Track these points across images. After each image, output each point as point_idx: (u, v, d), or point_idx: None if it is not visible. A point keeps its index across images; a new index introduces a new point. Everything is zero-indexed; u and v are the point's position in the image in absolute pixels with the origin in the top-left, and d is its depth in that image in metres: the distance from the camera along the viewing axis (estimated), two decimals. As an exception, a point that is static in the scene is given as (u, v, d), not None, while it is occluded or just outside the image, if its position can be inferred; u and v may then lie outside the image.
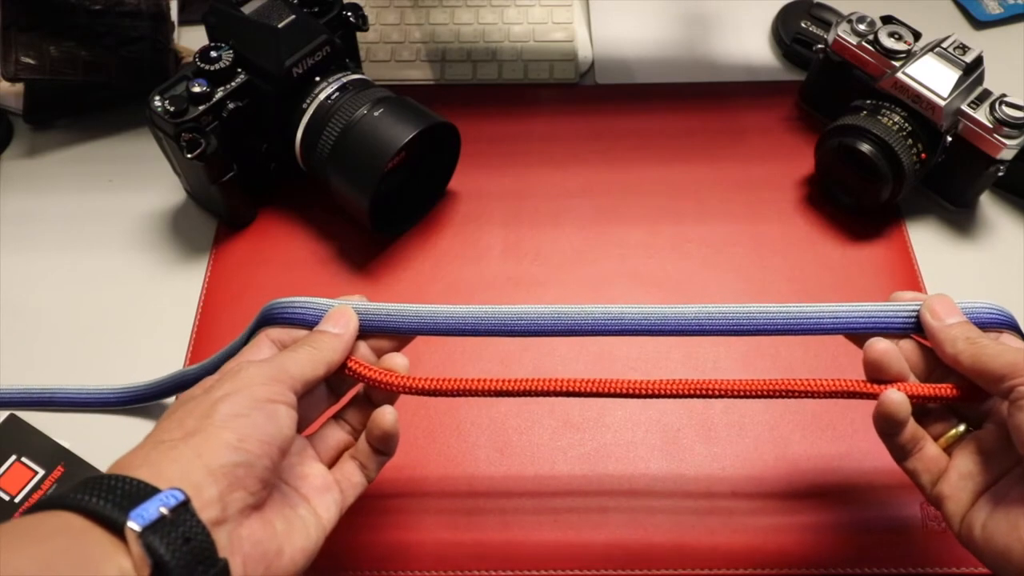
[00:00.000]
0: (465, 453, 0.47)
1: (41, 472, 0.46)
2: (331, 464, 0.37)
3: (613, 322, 0.37)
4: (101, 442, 0.48)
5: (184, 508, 0.27)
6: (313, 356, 0.35)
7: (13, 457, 0.47)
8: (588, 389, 0.37)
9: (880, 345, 0.36)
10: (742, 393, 0.37)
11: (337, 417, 0.39)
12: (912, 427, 0.36)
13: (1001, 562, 0.31)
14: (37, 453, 0.47)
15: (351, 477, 0.36)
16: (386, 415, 0.36)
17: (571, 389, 0.37)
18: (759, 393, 0.37)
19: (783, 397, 0.37)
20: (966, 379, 0.35)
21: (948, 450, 0.36)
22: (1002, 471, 0.33)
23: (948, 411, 0.37)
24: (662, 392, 0.37)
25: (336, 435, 0.38)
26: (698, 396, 0.37)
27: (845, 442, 0.47)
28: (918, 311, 0.37)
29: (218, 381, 0.33)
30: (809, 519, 0.45)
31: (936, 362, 0.36)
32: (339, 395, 0.39)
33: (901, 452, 0.36)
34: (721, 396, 0.37)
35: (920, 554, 0.44)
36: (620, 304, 0.38)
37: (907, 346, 0.37)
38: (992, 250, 0.56)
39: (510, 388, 0.37)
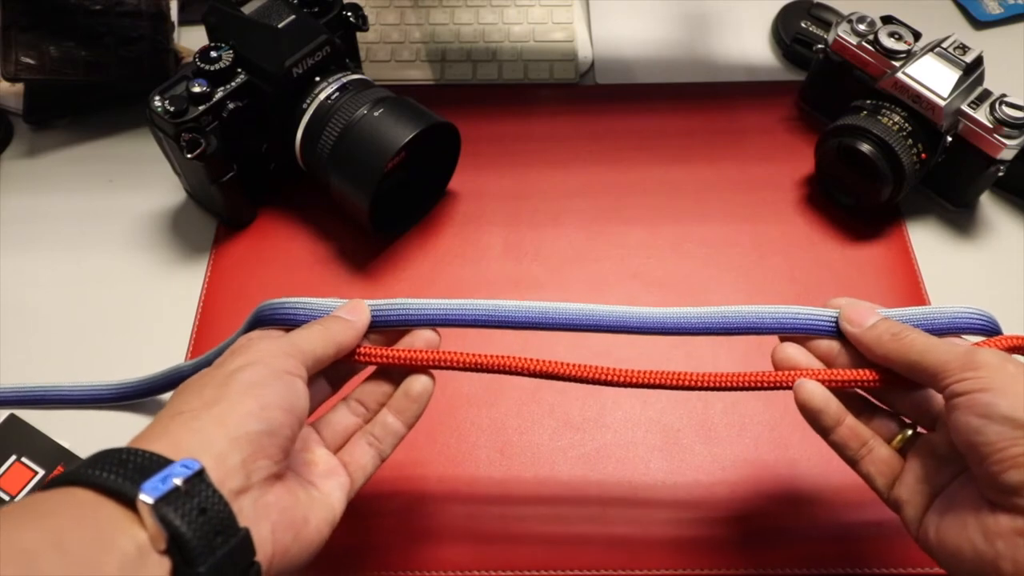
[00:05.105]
0: (465, 453, 0.47)
1: (41, 472, 0.47)
2: (337, 449, 0.36)
3: (559, 318, 0.37)
4: (101, 441, 0.46)
5: (199, 478, 0.26)
6: (324, 335, 0.35)
7: (13, 457, 0.47)
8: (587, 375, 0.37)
9: (788, 350, 0.36)
10: (643, 384, 0.36)
11: (346, 400, 0.38)
12: (851, 424, 0.35)
13: (953, 563, 0.31)
14: (37, 453, 0.47)
15: (359, 459, 0.36)
16: (420, 377, 0.36)
17: (582, 375, 0.37)
18: (660, 384, 0.36)
19: (691, 390, 0.36)
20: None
21: (902, 452, 0.35)
22: (955, 474, 0.33)
23: (895, 415, 0.37)
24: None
25: (345, 419, 0.37)
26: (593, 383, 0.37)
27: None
28: (837, 318, 0.36)
29: (229, 356, 0.33)
30: (809, 519, 0.45)
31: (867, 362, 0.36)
32: (336, 390, 0.38)
33: (845, 452, 0.35)
34: (620, 385, 0.37)
35: (919, 554, 0.44)
36: (579, 304, 0.38)
37: (836, 347, 0.37)
38: (992, 250, 0.56)
39: (518, 367, 0.37)
